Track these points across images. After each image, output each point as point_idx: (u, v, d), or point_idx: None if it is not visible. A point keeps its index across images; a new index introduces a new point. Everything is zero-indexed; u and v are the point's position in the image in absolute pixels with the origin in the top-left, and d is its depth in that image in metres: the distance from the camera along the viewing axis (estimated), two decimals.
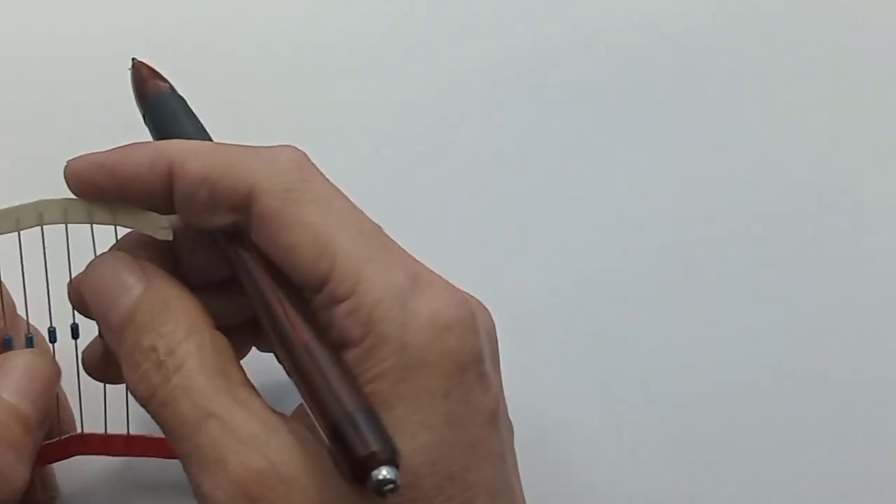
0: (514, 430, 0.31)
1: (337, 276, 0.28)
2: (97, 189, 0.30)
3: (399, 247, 0.30)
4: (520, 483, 0.31)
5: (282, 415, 0.29)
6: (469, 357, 0.28)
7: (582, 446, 0.40)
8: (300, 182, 0.30)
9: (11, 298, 0.33)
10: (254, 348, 0.35)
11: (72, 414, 0.35)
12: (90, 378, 0.33)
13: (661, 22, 0.49)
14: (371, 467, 0.25)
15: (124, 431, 0.34)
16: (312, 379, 0.27)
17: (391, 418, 0.27)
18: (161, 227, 0.31)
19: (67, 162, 0.30)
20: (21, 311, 0.33)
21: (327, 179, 0.30)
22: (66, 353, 0.33)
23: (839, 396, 0.41)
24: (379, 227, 0.30)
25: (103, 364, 0.33)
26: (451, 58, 0.47)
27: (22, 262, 0.31)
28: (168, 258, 0.32)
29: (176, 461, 0.29)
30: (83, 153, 0.30)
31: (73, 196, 0.31)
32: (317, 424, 0.27)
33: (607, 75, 0.47)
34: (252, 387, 0.29)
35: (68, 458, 0.35)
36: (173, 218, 0.31)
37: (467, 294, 0.30)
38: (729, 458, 0.40)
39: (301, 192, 0.29)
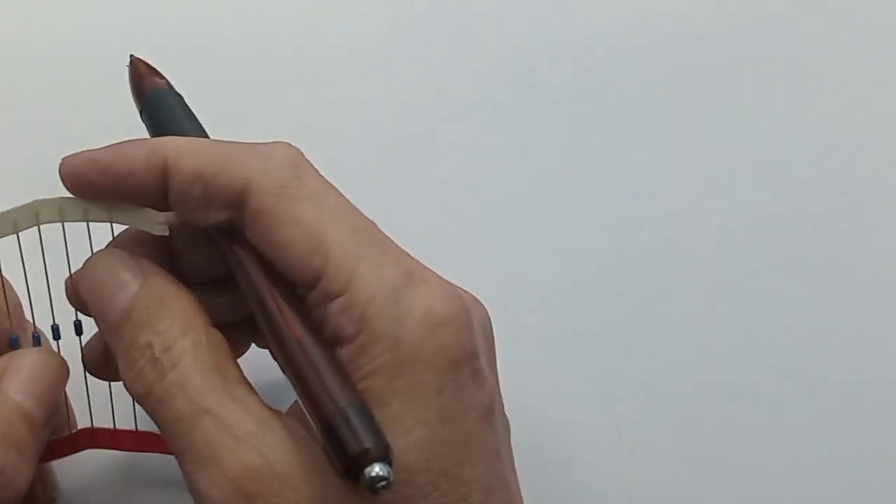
0: (514, 430, 0.31)
1: (331, 273, 0.28)
2: (92, 186, 0.30)
3: (393, 243, 0.30)
4: (516, 480, 0.31)
5: (277, 412, 0.29)
6: (463, 353, 0.28)
7: (582, 446, 0.40)
8: (294, 179, 0.30)
9: (17, 298, 0.33)
10: (252, 345, 0.35)
11: (72, 413, 0.35)
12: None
13: (661, 22, 0.49)
14: (364, 464, 0.25)
15: (132, 427, 0.34)
16: (306, 375, 0.27)
17: (385, 415, 0.27)
18: (157, 223, 0.31)
19: (63, 159, 0.30)
20: (25, 310, 0.33)
21: (322, 176, 0.30)
22: (72, 351, 0.33)
23: (839, 396, 0.41)
24: (373, 223, 0.30)
25: (103, 361, 0.33)
26: (451, 58, 0.47)
27: (23, 261, 0.31)
28: (164, 255, 0.32)
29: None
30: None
31: (69, 195, 0.31)
32: (311, 421, 0.27)
33: (607, 75, 0.47)
34: (248, 384, 0.29)
35: (77, 452, 0.35)
36: (169, 214, 0.31)
37: (462, 290, 0.30)
38: (729, 458, 0.40)
39: (295, 189, 0.29)
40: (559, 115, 0.46)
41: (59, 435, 0.34)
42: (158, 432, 0.32)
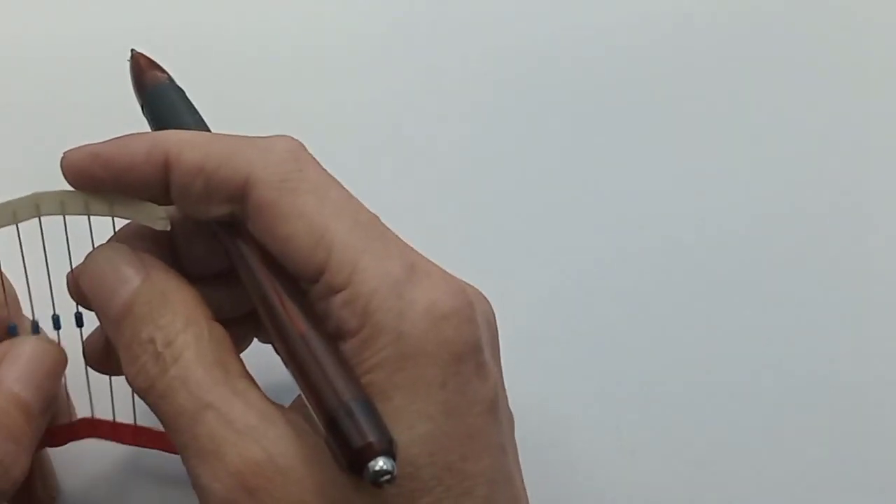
0: (514, 429, 0.31)
1: (333, 267, 0.28)
2: (94, 180, 0.30)
3: (396, 236, 0.30)
4: (521, 474, 0.30)
5: (280, 406, 0.29)
6: (466, 347, 0.28)
7: (582, 446, 0.40)
8: (296, 172, 0.30)
9: (13, 288, 0.33)
10: (255, 340, 0.35)
11: (72, 404, 0.35)
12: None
13: (661, 22, 0.49)
14: (368, 458, 0.25)
15: (132, 421, 0.34)
16: (309, 369, 0.27)
17: (388, 409, 0.27)
18: (158, 217, 0.31)
19: (64, 153, 0.30)
20: (25, 302, 0.33)
21: (324, 169, 0.30)
22: (73, 344, 0.33)
23: (839, 396, 0.41)
24: (376, 216, 0.30)
25: (105, 356, 0.33)
26: (451, 57, 0.47)
27: (22, 252, 0.31)
28: (166, 250, 0.32)
29: (178, 455, 0.29)
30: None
31: (70, 188, 0.31)
32: (314, 415, 0.27)
33: (607, 75, 0.47)
34: (250, 378, 0.29)
35: (76, 440, 0.35)
36: (170, 208, 0.31)
37: (466, 284, 0.30)
38: (729, 458, 0.40)
39: (297, 182, 0.29)
40: (559, 114, 0.46)
41: (58, 423, 0.34)
42: (158, 428, 0.32)
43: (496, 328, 0.31)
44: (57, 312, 0.32)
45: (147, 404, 0.29)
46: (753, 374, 0.41)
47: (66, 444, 0.35)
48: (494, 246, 0.43)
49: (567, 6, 0.49)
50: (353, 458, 0.26)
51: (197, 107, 0.35)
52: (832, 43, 0.48)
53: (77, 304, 0.32)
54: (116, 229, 0.32)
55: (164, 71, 0.35)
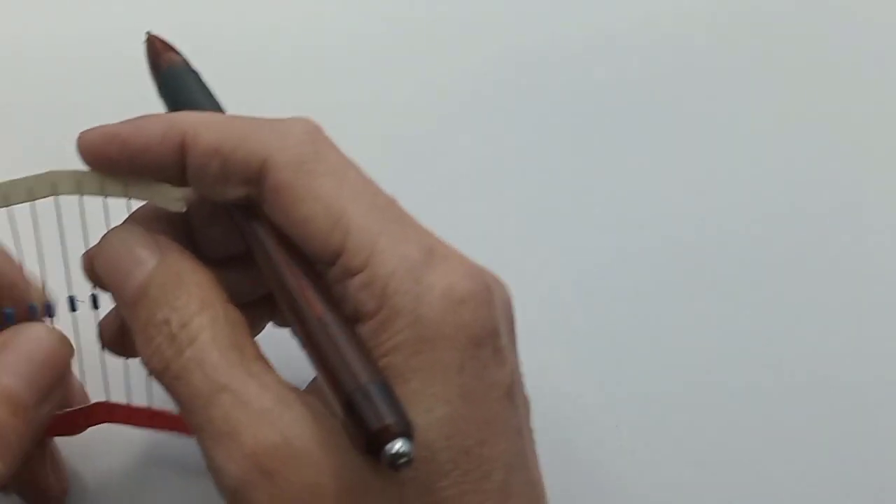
0: (530, 414, 0.31)
1: (350, 249, 0.28)
2: (109, 160, 0.30)
3: (413, 219, 0.30)
4: (536, 458, 0.30)
5: (296, 389, 0.28)
6: (483, 331, 0.28)
7: (582, 446, 0.40)
8: (313, 154, 0.29)
9: (16, 267, 0.32)
10: (270, 324, 0.35)
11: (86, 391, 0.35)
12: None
13: (661, 22, 0.49)
14: (385, 440, 0.25)
15: (147, 405, 0.34)
16: (326, 352, 0.27)
17: (406, 392, 0.27)
18: (174, 198, 0.30)
19: (80, 133, 0.30)
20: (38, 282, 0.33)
21: (341, 151, 0.30)
22: (88, 326, 0.32)
23: (839, 396, 0.41)
24: (393, 199, 0.30)
25: (120, 338, 0.32)
26: (452, 58, 0.47)
27: (37, 232, 0.31)
28: (182, 231, 0.32)
29: (193, 440, 0.28)
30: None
31: (85, 168, 0.30)
32: (331, 397, 0.27)
33: (607, 75, 0.47)
34: (266, 361, 0.29)
35: (92, 425, 0.34)
36: (186, 190, 0.31)
37: (483, 268, 0.30)
38: (729, 458, 0.40)
39: (314, 165, 0.29)
40: (559, 115, 0.46)
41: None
42: (173, 411, 0.32)
43: (513, 313, 0.31)
44: (73, 294, 0.32)
45: (162, 386, 0.29)
46: (753, 374, 0.41)
47: (82, 431, 0.34)
48: (494, 246, 0.43)
49: (567, 6, 0.49)
50: (370, 441, 0.25)
51: None
52: (832, 43, 0.49)
53: (93, 286, 0.32)
54: (132, 210, 0.32)
55: (179, 53, 0.35)
